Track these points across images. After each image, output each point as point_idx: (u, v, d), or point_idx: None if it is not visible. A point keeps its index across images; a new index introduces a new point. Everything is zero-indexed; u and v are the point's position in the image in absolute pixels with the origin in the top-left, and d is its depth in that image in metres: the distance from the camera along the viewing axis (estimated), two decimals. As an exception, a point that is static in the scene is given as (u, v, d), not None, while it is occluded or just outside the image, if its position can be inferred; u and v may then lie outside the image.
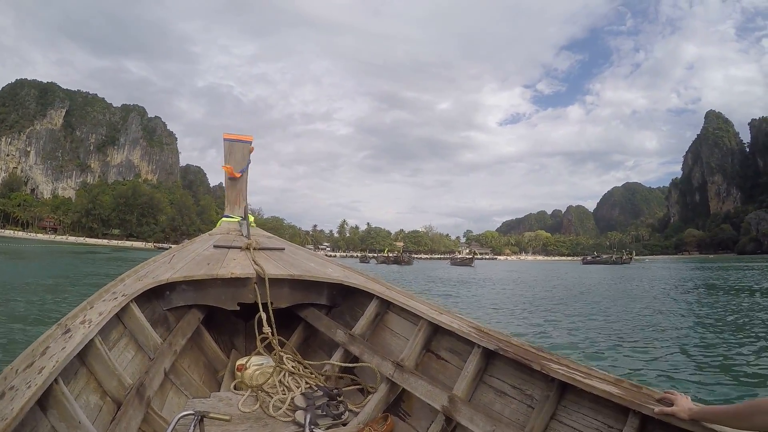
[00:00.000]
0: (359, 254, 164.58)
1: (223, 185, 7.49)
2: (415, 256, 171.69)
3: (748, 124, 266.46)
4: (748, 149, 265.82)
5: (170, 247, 7.06)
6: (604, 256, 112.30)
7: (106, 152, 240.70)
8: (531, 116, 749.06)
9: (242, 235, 5.70)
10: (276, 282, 4.13)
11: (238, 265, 4.27)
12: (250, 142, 7.07)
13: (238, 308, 4.12)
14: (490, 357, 3.18)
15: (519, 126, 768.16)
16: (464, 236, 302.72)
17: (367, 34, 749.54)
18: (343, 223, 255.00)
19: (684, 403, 1.85)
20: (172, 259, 4.50)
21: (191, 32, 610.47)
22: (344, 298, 4.61)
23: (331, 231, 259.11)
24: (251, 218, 6.03)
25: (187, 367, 3.85)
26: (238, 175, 6.74)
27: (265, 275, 3.99)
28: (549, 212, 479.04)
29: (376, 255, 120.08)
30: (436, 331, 3.65)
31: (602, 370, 2.53)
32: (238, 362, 3.82)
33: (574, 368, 2.60)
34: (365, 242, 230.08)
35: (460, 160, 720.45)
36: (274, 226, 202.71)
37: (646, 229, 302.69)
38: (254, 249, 4.85)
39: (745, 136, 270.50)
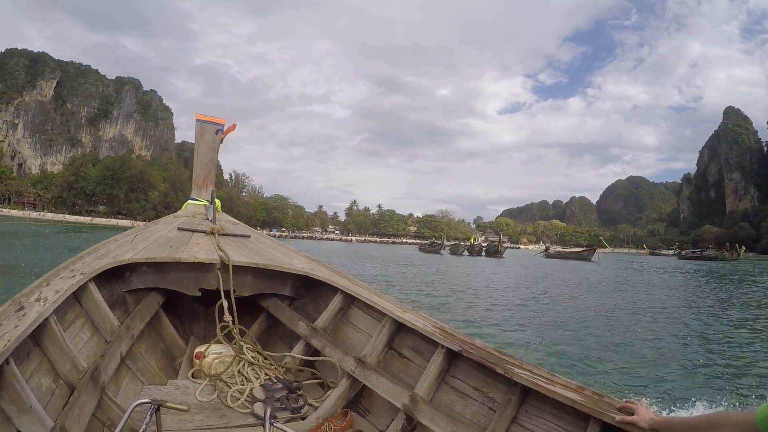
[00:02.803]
0: (422, 242, 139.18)
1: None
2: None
3: (767, 123, 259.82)
4: (766, 148, 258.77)
5: None
6: (707, 252, 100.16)
7: (98, 126, 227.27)
8: (531, 106, 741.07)
9: (208, 219, 5.39)
10: (240, 269, 4.01)
11: (201, 250, 4.11)
12: (222, 125, 6.60)
13: (199, 294, 3.98)
14: (453, 358, 3.19)
15: (518, 115, 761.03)
16: (474, 223, 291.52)
17: (368, 16, 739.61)
18: (353, 204, 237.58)
19: (644, 413, 1.88)
20: (134, 239, 4.36)
21: (189, 9, 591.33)
22: (308, 290, 4.49)
23: (335, 213, 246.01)
24: (218, 203, 5.86)
25: (144, 352, 3.73)
26: (226, 133, 6.57)
27: (229, 262, 3.87)
28: (550, 202, 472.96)
29: (456, 242, 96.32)
30: (400, 329, 3.63)
31: (565, 377, 2.59)
32: (197, 350, 3.72)
33: (537, 373, 2.65)
34: (378, 226, 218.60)
35: (458, 147, 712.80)
36: (278, 205, 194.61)
37: (660, 224, 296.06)
38: (219, 234, 4.62)
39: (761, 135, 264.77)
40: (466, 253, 77.41)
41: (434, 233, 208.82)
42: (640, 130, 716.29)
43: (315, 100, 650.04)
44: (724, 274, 43.38)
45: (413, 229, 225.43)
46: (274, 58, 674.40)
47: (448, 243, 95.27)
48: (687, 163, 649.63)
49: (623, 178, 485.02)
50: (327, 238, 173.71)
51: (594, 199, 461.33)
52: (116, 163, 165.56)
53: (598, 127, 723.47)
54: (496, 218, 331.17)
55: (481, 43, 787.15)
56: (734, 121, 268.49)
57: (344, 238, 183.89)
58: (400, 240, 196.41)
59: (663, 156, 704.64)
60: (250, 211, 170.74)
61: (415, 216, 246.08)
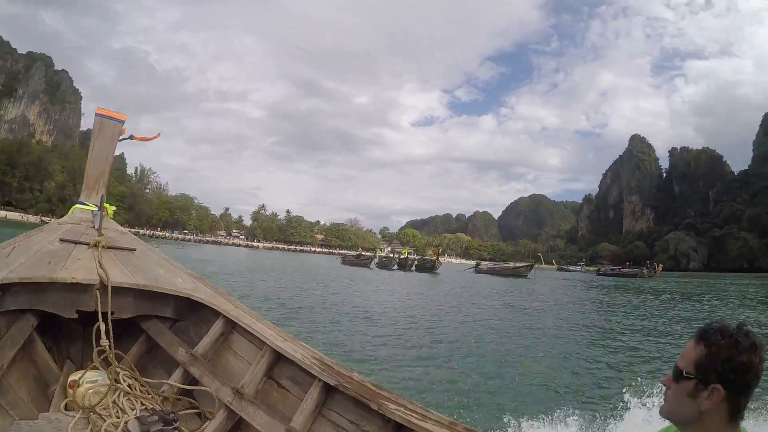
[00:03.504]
0: (344, 253, 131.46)
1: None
2: (341, 252, 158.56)
3: (669, 152, 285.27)
4: (665, 174, 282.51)
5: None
6: (625, 269, 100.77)
7: (0, 104, 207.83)
8: (444, 121, 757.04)
9: (94, 227, 5.03)
10: (120, 290, 3.84)
11: (81, 268, 3.90)
12: (123, 122, 6.26)
13: (76, 316, 3.75)
14: (330, 391, 3.19)
15: (431, 129, 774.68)
16: (380, 233, 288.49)
17: (297, 16, 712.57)
18: (261, 209, 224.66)
19: None
20: (11, 253, 4.03)
21: None
22: (190, 313, 4.26)
23: (240, 217, 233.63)
24: (109, 209, 5.60)
25: (15, 381, 3.45)
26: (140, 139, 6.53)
27: (109, 282, 3.69)
28: (453, 216, 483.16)
29: (387, 255, 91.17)
30: (279, 358, 3.57)
31: (439, 413, 2.64)
32: (71, 378, 3.44)
33: (411, 409, 2.70)
34: (285, 233, 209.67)
35: (369, 156, 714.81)
36: (182, 205, 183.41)
37: (560, 240, 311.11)
38: (103, 247, 4.38)
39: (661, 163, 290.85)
40: (395, 267, 72.51)
41: (342, 242, 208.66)
42: (546, 151, 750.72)
43: (232, 97, 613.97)
44: (658, 291, 46.12)
45: (320, 237, 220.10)
46: (196, 49, 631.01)
47: (381, 255, 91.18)
48: (587, 185, 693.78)
49: (526, 195, 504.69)
50: (232, 244, 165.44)
51: (496, 215, 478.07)
52: (13, 146, 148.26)
53: (507, 146, 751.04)
54: (402, 229, 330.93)
55: (406, 54, 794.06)
56: (638, 147, 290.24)
57: (250, 243, 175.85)
58: (308, 248, 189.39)
59: (565, 177, 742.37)
60: (153, 209, 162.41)
61: (322, 224, 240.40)
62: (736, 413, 1.61)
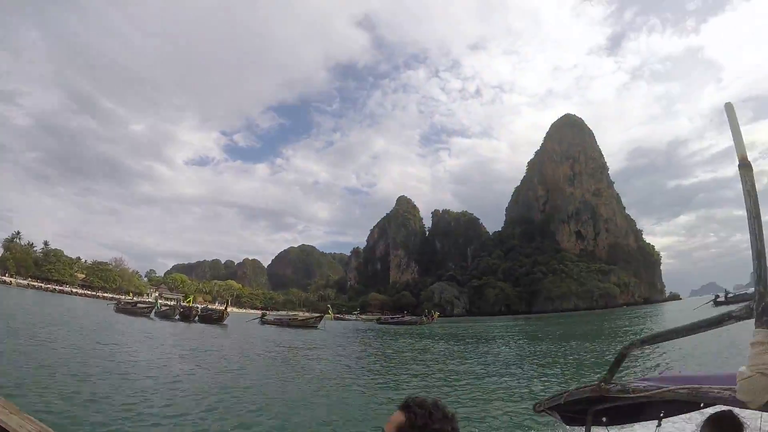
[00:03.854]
0: (119, 298, 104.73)
1: None
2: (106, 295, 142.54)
3: (432, 213, 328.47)
4: (427, 232, 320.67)
5: None
6: (406, 318, 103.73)
7: None
8: (219, 163, 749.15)
9: None
10: None
11: None
12: None
13: None
14: None
15: (205, 170, 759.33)
16: (146, 276, 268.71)
17: (96, 19, 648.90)
18: (16, 237, 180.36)
19: None
20: None
21: None
22: None
23: None
24: None
25: None
26: None
27: None
28: (222, 261, 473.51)
29: (166, 304, 75.36)
30: None
31: None
32: None
33: None
34: (41, 268, 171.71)
35: (137, 190, 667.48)
36: None
37: (331, 290, 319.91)
38: None
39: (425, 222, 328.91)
40: (177, 317, 60.91)
41: (106, 284, 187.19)
42: (315, 204, 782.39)
43: None
44: (453, 334, 51.59)
45: (82, 276, 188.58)
46: None
47: (162, 303, 76.42)
48: (353, 238, 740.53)
49: (296, 245, 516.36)
50: None
51: (265, 262, 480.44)
52: None
53: (279, 195, 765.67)
54: (169, 273, 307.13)
55: (191, 88, 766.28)
56: (405, 207, 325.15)
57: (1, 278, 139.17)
58: (68, 289, 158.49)
59: (332, 229, 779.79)
60: None
61: (83, 261, 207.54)
62: None
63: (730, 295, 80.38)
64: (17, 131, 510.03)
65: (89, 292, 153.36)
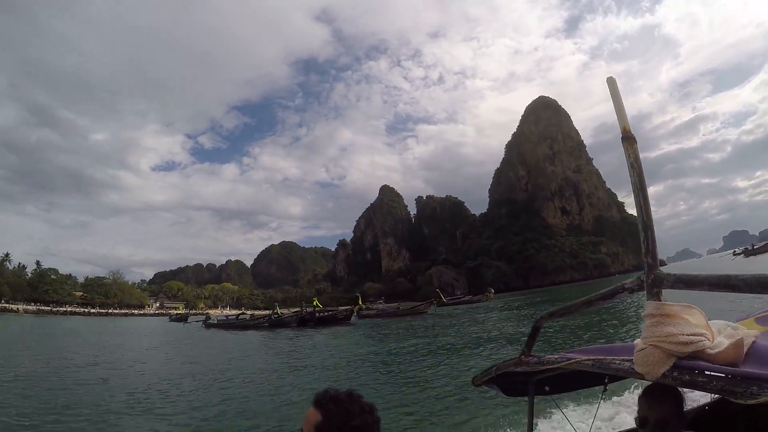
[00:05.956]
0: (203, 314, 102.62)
1: None
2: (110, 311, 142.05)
3: (415, 200, 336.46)
4: (414, 219, 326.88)
5: None
6: (468, 297, 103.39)
7: None
8: (187, 167, 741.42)
9: None
10: None
11: None
12: None
13: None
14: None
15: (172, 174, 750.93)
16: (138, 287, 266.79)
17: (43, 29, 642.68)
18: (5, 260, 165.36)
19: None
20: None
21: None
22: None
23: None
24: None
25: None
26: None
27: None
28: (204, 265, 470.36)
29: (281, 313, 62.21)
30: None
31: None
32: None
33: None
34: (37, 288, 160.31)
35: (104, 201, 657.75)
36: None
37: (326, 284, 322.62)
38: None
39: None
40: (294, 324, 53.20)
41: (107, 299, 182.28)
42: (287, 201, 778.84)
43: None
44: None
45: (79, 294, 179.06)
46: None
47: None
48: (328, 231, 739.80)
49: (272, 243, 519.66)
50: None
51: (246, 263, 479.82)
52: None
53: (250, 195, 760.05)
54: (152, 283, 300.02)
55: (151, 93, 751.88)
56: (389, 196, 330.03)
57: (7, 307, 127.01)
58: (71, 308, 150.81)
59: (307, 224, 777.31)
60: None
61: (74, 278, 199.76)
62: None
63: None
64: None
65: (85, 309, 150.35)
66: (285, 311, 69.22)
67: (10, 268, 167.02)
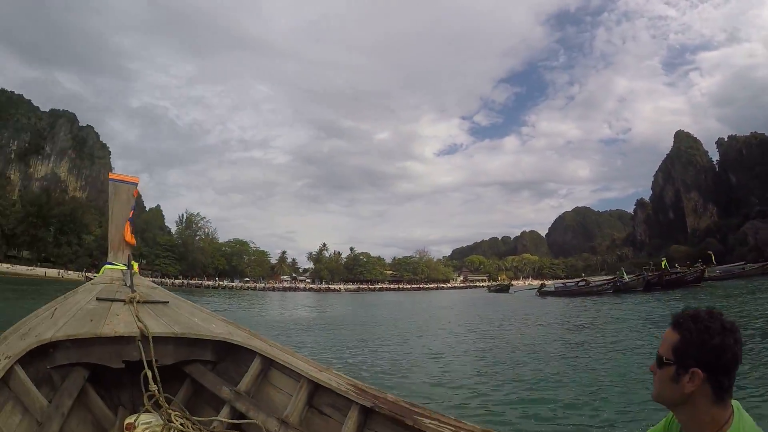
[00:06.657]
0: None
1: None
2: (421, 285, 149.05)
3: (716, 143, 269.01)
4: (717, 167, 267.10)
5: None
6: None
7: (28, 162, 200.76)
8: (468, 147, 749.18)
9: (126, 285, 5.39)
10: (160, 340, 4.14)
11: (121, 322, 4.20)
12: (136, 184, 6.91)
13: (123, 366, 4.02)
14: (367, 413, 3.47)
15: (456, 156, 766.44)
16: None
17: (307, 61, 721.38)
18: (323, 249, 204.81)
19: None
20: (54, 314, 4.39)
21: (129, 47, 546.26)
22: (229, 354, 4.61)
23: (293, 260, 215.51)
24: (135, 266, 5.99)
25: (76, 426, 3.78)
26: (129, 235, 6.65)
27: (149, 333, 3.99)
28: (499, 238, 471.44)
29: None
30: (317, 388, 3.86)
31: (472, 424, 2.88)
32: (127, 421, 3.69)
33: (445, 422, 2.97)
34: (353, 271, 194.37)
35: (397, 190, 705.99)
36: (238, 250, 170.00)
37: (627, 249, 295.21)
38: (137, 302, 4.72)
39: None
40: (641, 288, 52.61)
41: (414, 275, 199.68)
42: (573, 164, 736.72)
43: (254, 145, 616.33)
44: None
45: (389, 272, 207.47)
46: (214, 101, 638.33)
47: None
48: (621, 191, 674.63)
49: (565, 210, 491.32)
50: (308, 288, 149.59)
51: (542, 232, 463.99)
52: (41, 198, 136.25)
53: (534, 164, 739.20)
54: (449, 259, 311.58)
55: (419, 86, 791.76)
56: (686, 143, 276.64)
57: (331, 287, 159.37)
58: (384, 284, 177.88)
59: (597, 187, 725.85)
60: (207, 258, 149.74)
61: (384, 260, 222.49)
62: (721, 392, 1.66)
63: None
64: (280, 168, 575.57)
65: (392, 286, 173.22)
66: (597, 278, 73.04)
67: (327, 255, 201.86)
